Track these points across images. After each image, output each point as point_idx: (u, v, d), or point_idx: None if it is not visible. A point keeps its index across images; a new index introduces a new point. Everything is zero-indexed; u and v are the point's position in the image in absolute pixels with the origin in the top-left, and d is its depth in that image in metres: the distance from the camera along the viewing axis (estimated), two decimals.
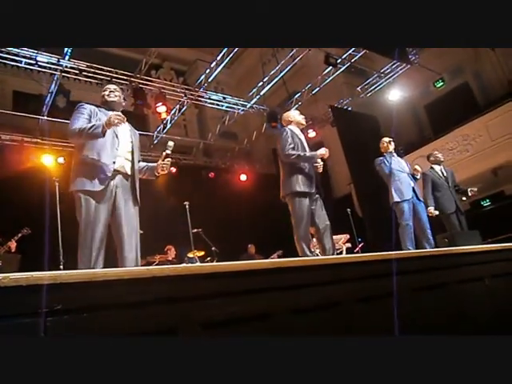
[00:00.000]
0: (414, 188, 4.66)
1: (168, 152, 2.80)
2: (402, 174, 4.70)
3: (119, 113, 2.65)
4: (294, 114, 3.97)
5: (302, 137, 3.83)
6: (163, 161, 2.81)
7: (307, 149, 3.73)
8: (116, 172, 2.64)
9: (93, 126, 2.55)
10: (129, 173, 2.71)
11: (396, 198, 4.58)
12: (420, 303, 2.04)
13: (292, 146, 3.63)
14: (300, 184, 3.52)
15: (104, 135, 2.55)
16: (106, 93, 2.89)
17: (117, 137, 2.70)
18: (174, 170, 9.07)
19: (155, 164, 2.87)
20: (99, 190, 2.52)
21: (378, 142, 5.02)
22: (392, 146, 4.86)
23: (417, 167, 4.81)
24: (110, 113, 2.74)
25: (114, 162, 2.62)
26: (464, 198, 5.42)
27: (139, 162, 2.91)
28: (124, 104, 3.01)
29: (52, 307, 1.06)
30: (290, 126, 3.84)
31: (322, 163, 3.61)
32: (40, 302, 1.05)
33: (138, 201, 2.73)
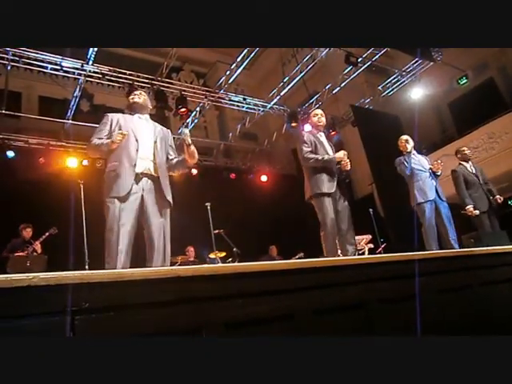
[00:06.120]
0: (436, 187, 4.54)
1: (189, 140, 2.81)
2: (423, 173, 4.57)
3: (122, 131, 2.67)
4: (311, 117, 3.97)
5: (323, 137, 3.81)
6: (188, 150, 2.83)
7: (328, 149, 3.72)
8: (141, 175, 2.67)
9: (102, 143, 2.70)
10: (154, 174, 2.73)
11: (419, 199, 4.46)
12: (444, 305, 2.00)
13: (309, 149, 3.66)
14: (322, 185, 3.54)
15: (112, 151, 2.67)
16: (131, 96, 2.98)
17: (137, 141, 2.74)
18: (195, 172, 9.19)
19: (183, 156, 2.90)
20: (122, 195, 2.57)
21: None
22: (410, 145, 4.70)
23: (437, 162, 4.60)
24: (134, 117, 2.87)
25: (135, 165, 2.66)
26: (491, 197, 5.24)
27: (172, 159, 2.93)
28: (150, 106, 3.07)
29: (80, 306, 1.09)
30: (307, 132, 3.85)
31: (347, 160, 3.58)
32: (68, 301, 1.08)
33: (169, 201, 2.75)
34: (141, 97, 2.96)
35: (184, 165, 2.93)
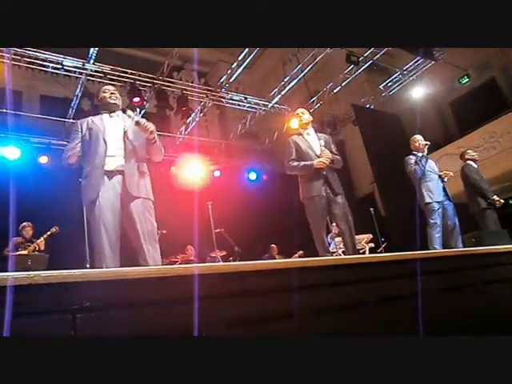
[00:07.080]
0: (444, 188, 4.60)
1: (136, 119, 2.70)
2: (433, 174, 4.63)
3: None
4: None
5: (311, 135, 3.79)
6: (141, 128, 2.71)
7: (315, 147, 3.68)
8: (113, 173, 2.64)
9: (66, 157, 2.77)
10: (123, 170, 2.67)
11: (428, 199, 4.51)
12: (445, 304, 2.00)
13: (293, 157, 3.69)
14: (309, 189, 3.57)
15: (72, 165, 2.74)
16: (107, 95, 2.88)
17: (104, 141, 2.70)
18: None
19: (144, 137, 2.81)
20: (94, 197, 2.55)
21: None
22: (426, 149, 4.75)
23: (447, 171, 4.71)
24: (106, 118, 2.82)
25: (104, 166, 2.62)
26: None
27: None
28: (120, 103, 2.97)
29: (81, 304, 1.09)
30: (293, 137, 3.83)
31: (323, 161, 3.54)
32: (69, 300, 1.08)
33: (139, 196, 2.63)
34: (117, 97, 2.91)
35: (149, 144, 2.81)
